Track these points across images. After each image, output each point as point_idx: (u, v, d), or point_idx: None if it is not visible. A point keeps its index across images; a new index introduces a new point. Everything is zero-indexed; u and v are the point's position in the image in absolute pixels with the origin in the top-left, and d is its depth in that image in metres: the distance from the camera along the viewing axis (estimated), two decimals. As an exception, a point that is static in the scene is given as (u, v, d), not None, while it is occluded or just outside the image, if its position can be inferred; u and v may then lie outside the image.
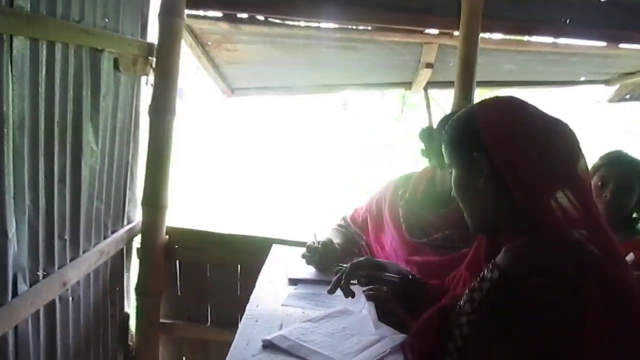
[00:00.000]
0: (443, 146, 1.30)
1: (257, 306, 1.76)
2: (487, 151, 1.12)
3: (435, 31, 2.67)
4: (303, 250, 2.12)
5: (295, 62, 3.20)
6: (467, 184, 1.21)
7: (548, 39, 2.66)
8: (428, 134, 1.86)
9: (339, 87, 3.77)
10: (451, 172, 1.29)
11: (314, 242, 2.13)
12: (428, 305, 1.33)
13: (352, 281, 1.53)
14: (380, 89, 4.03)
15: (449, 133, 1.26)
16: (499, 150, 1.11)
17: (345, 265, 1.57)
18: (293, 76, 3.55)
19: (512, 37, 2.68)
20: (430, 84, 3.36)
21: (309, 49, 2.95)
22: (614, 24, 2.50)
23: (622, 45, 2.57)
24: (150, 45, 2.71)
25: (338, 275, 1.54)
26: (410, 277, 1.51)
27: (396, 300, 1.47)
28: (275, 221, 8.95)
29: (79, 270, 2.27)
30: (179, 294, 2.99)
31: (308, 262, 2.09)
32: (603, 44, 2.63)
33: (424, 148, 1.89)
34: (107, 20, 2.29)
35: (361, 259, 1.62)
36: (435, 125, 1.88)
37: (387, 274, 1.50)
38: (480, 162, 1.14)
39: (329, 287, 1.54)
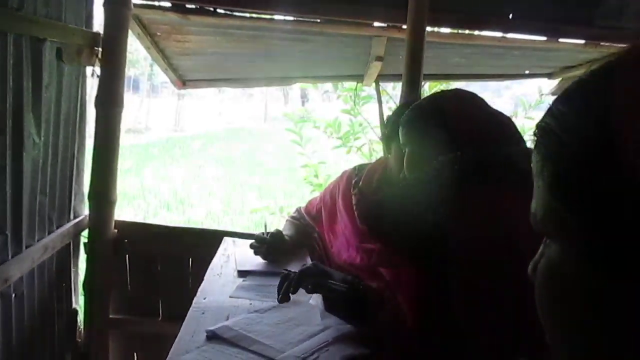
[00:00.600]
0: (403, 133, 1.38)
1: (204, 298, 1.76)
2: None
3: (383, 24, 2.71)
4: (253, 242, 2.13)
5: (247, 53, 3.19)
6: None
7: (493, 33, 2.73)
8: (393, 122, 1.88)
9: (293, 79, 3.77)
10: (404, 153, 1.38)
11: (263, 233, 2.14)
12: (373, 311, 1.37)
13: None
14: (334, 81, 4.03)
15: (414, 123, 1.34)
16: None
17: (293, 271, 1.59)
18: (246, 68, 3.53)
19: (459, 31, 2.74)
20: (382, 77, 3.40)
21: (260, 40, 2.94)
22: (554, 19, 2.59)
23: (562, 40, 2.66)
24: (96, 34, 2.64)
25: (287, 282, 1.56)
26: (356, 284, 1.54)
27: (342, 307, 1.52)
28: (233, 215, 8.91)
29: (22, 266, 2.21)
30: (129, 288, 2.95)
31: (256, 253, 2.10)
32: (544, 38, 2.72)
33: (386, 134, 1.93)
34: (48, 8, 2.22)
35: (309, 265, 1.64)
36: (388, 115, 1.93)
37: (333, 282, 1.53)
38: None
39: (279, 297, 1.56)
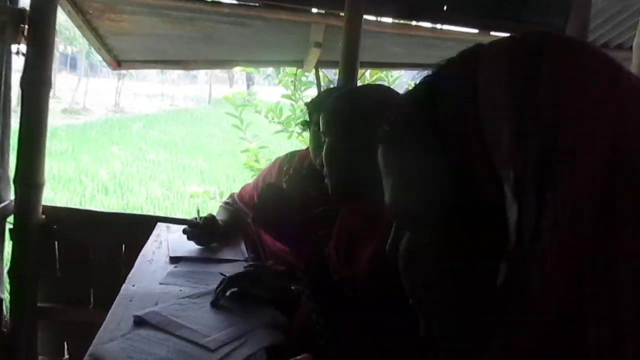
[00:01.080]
0: (324, 121, 1.39)
1: (133, 285, 1.73)
2: None
3: (321, 11, 2.71)
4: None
5: (184, 35, 3.12)
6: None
7: (428, 24, 2.80)
8: (314, 104, 1.90)
9: (233, 63, 3.73)
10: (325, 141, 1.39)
11: (196, 218, 2.13)
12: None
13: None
14: (275, 66, 4.02)
15: (338, 115, 1.36)
16: None
17: (226, 276, 1.63)
18: (183, 50, 3.45)
19: (396, 20, 2.78)
20: (322, 63, 3.41)
21: (197, 23, 2.89)
22: (485, 12, 2.68)
23: (492, 33, 2.75)
24: (22, 11, 2.52)
25: (219, 287, 1.59)
26: (285, 289, 1.58)
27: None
28: (174, 200, 8.75)
29: (-61, 253, 2.10)
30: (58, 276, 2.85)
31: (189, 238, 2.09)
32: (476, 31, 2.81)
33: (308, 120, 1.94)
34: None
35: (240, 272, 1.68)
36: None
37: (259, 290, 1.57)
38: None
39: (212, 299, 1.58)
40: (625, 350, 0.34)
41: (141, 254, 2.02)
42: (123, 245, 2.83)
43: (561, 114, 0.39)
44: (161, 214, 6.73)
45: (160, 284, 1.76)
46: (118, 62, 3.52)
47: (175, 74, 28.27)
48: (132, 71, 15.09)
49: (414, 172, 0.45)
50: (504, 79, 0.42)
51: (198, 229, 2.09)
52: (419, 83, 0.49)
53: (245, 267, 1.85)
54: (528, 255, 0.37)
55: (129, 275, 1.81)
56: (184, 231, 2.10)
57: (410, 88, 0.50)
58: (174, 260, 1.97)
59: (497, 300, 0.38)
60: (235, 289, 1.60)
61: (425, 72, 0.50)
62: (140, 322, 1.43)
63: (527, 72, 0.41)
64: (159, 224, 2.40)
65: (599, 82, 0.41)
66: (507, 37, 0.48)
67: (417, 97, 0.48)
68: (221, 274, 1.69)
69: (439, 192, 0.43)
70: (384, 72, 4.16)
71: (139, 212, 6.95)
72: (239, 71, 9.55)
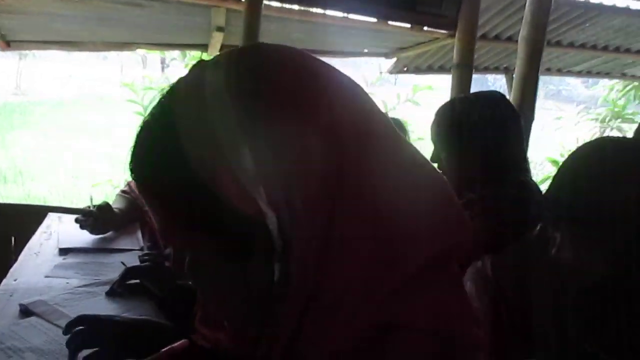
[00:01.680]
0: None
1: (14, 280, 1.65)
2: None
3: (221, -6, 2.68)
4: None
5: (77, 15, 2.97)
6: None
7: (328, 12, 2.83)
8: None
9: (132, 45, 3.60)
10: None
11: (89, 207, 2.06)
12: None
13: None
14: (179, 49, 3.93)
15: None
16: None
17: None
18: (77, 31, 3.29)
19: (295, 6, 2.79)
20: (226, 48, 3.37)
21: (90, 2, 2.76)
22: (383, 2, 2.75)
23: (390, 22, 2.84)
24: None
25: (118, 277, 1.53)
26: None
27: None
28: (81, 189, 8.36)
29: None
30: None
31: (82, 227, 2.02)
32: (374, 20, 2.88)
33: None
34: None
35: (140, 265, 1.64)
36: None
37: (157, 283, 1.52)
38: None
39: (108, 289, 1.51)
40: (350, 303, 0.42)
41: (27, 246, 1.93)
42: (13, 238, 2.68)
43: (284, 127, 0.42)
44: (67, 204, 6.42)
45: (46, 277, 1.69)
46: (7, 43, 3.30)
47: (85, 54, 26.70)
48: (35, 51, 14.11)
49: (171, 197, 0.47)
50: (227, 99, 0.44)
51: (92, 217, 2.02)
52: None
53: (139, 256, 1.81)
54: (289, 254, 0.42)
55: (12, 269, 1.72)
56: (77, 220, 2.02)
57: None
58: (63, 251, 1.89)
59: (277, 295, 0.44)
60: (134, 280, 1.56)
61: None
62: (25, 311, 1.38)
63: (245, 91, 0.44)
64: (49, 214, 2.29)
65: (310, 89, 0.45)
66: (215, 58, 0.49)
67: (158, 121, 0.48)
68: (122, 263, 1.65)
69: (203, 212, 0.45)
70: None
71: (38, 203, 6.58)
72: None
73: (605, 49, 4.11)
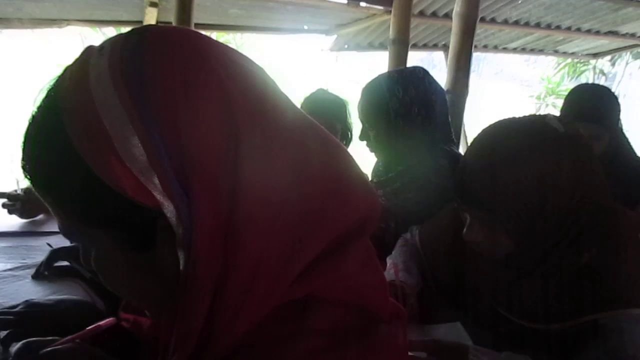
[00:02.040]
0: None
1: None
2: None
3: (152, -32, 2.59)
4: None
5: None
6: None
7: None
8: None
9: (62, 22, 3.42)
10: None
11: (16, 190, 1.98)
12: None
13: None
14: (113, 26, 3.77)
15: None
16: None
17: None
18: (3, 6, 3.10)
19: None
20: (161, 24, 3.27)
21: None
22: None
23: (363, 4, 2.80)
24: None
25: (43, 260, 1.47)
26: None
27: None
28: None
29: None
30: None
31: (10, 212, 1.93)
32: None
33: None
34: None
35: (67, 245, 1.58)
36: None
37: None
38: None
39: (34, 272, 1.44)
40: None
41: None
42: None
43: (174, 113, 0.41)
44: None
45: (-35, 265, 1.61)
46: None
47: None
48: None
49: (65, 193, 0.45)
50: (111, 88, 0.42)
51: (20, 201, 1.94)
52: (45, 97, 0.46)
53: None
54: (192, 242, 0.42)
55: None
56: (4, 205, 1.94)
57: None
58: (-14, 237, 1.82)
59: (184, 284, 0.43)
60: (62, 262, 1.51)
61: None
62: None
63: (130, 77, 0.42)
64: (-26, 199, 2.18)
65: (202, 72, 0.43)
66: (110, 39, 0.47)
67: (45, 115, 0.45)
68: (48, 244, 1.59)
69: (98, 206, 0.44)
70: (231, 34, 4.10)
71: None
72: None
73: (537, 25, 4.24)
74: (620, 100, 1.85)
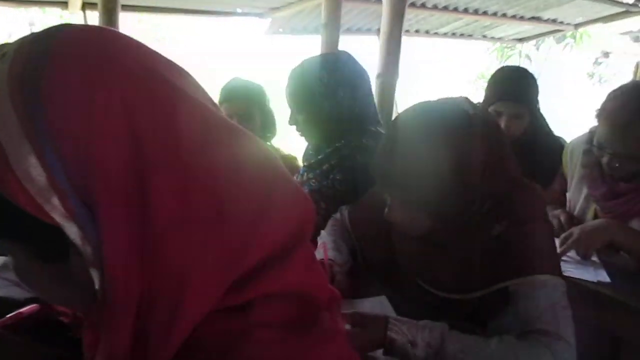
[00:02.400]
0: None
1: None
2: None
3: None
4: None
5: None
6: None
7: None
8: None
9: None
10: None
11: None
12: None
13: None
14: (37, 6, 3.59)
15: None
16: None
17: None
18: None
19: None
20: (89, 5, 3.15)
21: None
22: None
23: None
24: None
25: None
26: None
27: None
28: None
29: None
30: None
31: None
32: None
33: None
34: None
35: None
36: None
37: None
38: None
39: None
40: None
41: None
42: None
43: (75, 130, 0.39)
44: None
45: None
46: None
47: None
48: None
49: None
50: (9, 100, 0.39)
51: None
52: None
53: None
54: (103, 260, 0.40)
55: None
56: None
57: None
58: None
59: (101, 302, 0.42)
60: None
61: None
62: None
63: (30, 90, 0.39)
64: None
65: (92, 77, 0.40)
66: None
67: None
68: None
69: (6, 221, 0.42)
70: (160, 15, 3.99)
71: None
72: (21, 11, 8.35)
73: (465, 11, 4.38)
74: (539, 81, 1.97)
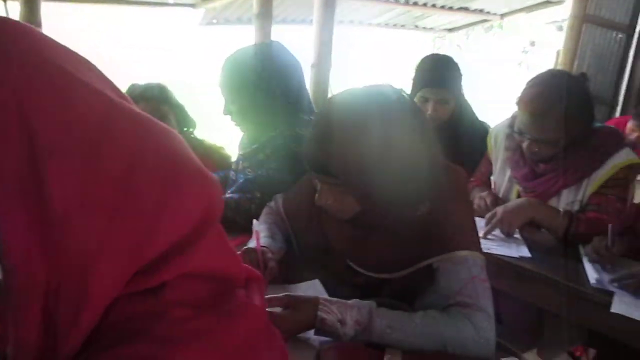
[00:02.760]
0: None
1: None
2: None
3: None
4: None
5: None
6: None
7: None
8: None
9: None
10: None
11: None
12: None
13: None
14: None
15: None
16: None
17: None
18: None
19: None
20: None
21: None
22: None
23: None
24: None
25: None
26: None
27: None
28: None
29: None
30: None
31: None
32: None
33: None
34: None
35: None
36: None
37: None
38: None
39: None
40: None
41: None
42: None
43: None
44: None
45: None
46: None
47: None
48: None
49: None
50: None
51: None
52: None
53: None
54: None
55: None
56: None
57: None
58: None
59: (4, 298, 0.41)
60: None
61: None
62: None
63: None
64: None
65: None
66: None
67: None
68: None
69: None
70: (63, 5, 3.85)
71: None
72: None
73: (397, 2, 4.48)
74: (470, 69, 2.05)
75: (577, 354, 2.14)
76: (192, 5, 3.67)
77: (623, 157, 1.55)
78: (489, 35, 10.51)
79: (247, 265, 0.57)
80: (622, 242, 1.47)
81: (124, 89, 1.86)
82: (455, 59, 2.03)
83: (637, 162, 1.57)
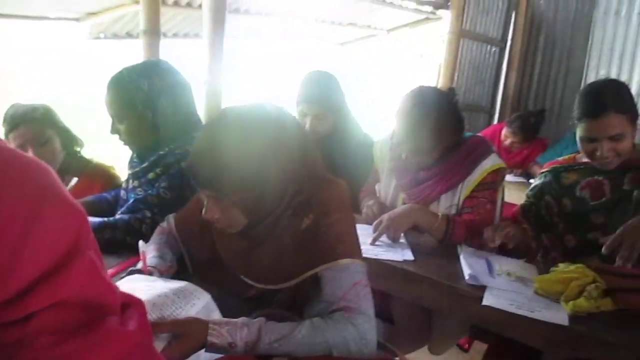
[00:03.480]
0: None
1: None
2: None
3: None
4: None
5: None
6: None
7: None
8: None
9: None
10: None
11: None
12: None
13: None
14: None
15: None
16: None
17: None
18: None
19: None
20: None
21: None
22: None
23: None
24: None
25: None
26: None
27: None
28: None
29: None
30: None
31: None
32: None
33: None
34: None
35: None
36: None
37: None
38: None
39: None
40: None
41: None
42: None
43: None
44: None
45: None
46: None
47: None
48: None
49: None
50: None
51: None
52: None
53: None
54: None
55: None
56: None
57: None
58: None
59: None
60: None
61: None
62: None
63: None
64: None
65: None
66: None
67: None
68: None
69: None
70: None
71: None
72: None
73: (289, 16, 4.57)
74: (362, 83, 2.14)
75: (466, 346, 2.32)
76: (76, 20, 3.51)
77: (490, 163, 1.70)
78: (380, 48, 10.99)
79: (124, 292, 0.58)
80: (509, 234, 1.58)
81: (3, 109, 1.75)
82: (349, 72, 2.12)
83: (503, 166, 1.73)
